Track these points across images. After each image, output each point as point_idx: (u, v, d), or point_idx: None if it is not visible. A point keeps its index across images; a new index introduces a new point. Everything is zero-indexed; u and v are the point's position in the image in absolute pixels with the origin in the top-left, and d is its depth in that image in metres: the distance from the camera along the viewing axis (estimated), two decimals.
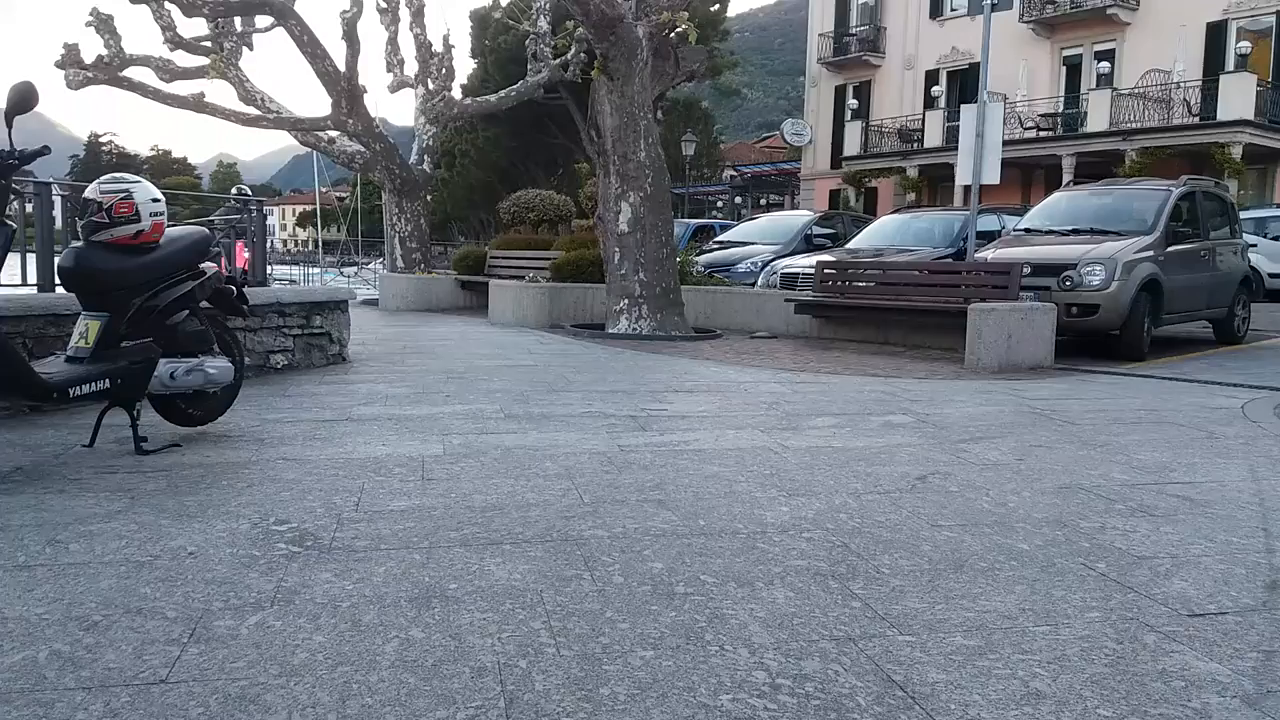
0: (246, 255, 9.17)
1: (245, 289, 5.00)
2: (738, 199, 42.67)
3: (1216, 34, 24.83)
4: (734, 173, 45.60)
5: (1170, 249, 9.09)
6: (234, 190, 12.65)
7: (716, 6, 34.83)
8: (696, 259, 13.22)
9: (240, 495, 3.44)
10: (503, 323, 11.66)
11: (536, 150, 34.71)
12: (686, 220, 20.39)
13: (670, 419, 5.22)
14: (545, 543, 2.96)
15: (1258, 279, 13.80)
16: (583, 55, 17.46)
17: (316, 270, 34.15)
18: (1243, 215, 13.38)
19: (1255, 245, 14.51)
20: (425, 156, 17.75)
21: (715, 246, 15.13)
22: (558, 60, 18.20)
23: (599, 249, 10.70)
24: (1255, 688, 2.07)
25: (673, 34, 10.35)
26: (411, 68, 18.37)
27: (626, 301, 9.86)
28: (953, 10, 29.99)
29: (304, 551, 2.82)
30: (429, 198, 18.65)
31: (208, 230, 4.76)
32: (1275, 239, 16.59)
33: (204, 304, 4.52)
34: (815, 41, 35.80)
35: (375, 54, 19.47)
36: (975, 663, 2.16)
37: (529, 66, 18.52)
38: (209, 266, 4.51)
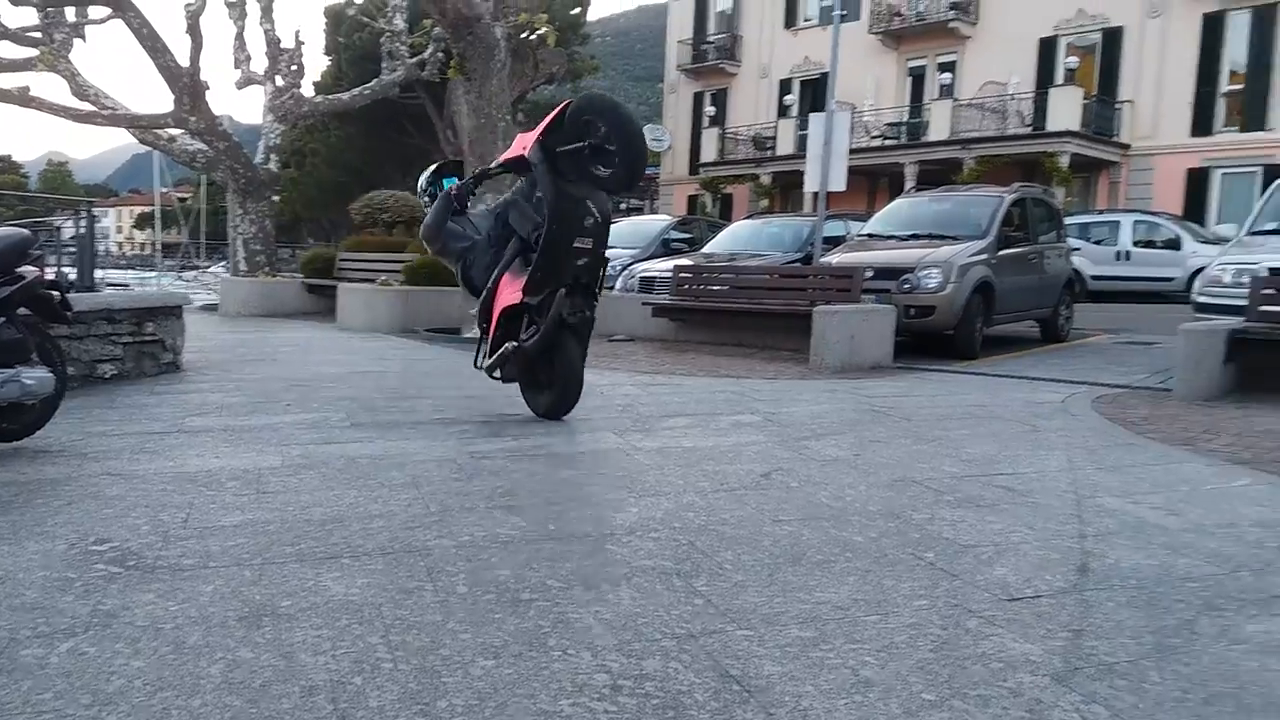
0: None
1: (70, 294, 4.68)
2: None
3: (1048, 49, 26.49)
4: None
5: (1002, 253, 9.63)
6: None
7: (577, 10, 34.94)
8: None
9: (57, 514, 3.22)
10: (353, 328, 11.33)
11: (392, 150, 33.92)
12: None
13: (524, 424, 5.19)
14: (387, 555, 2.89)
15: (1081, 281, 14.78)
16: (440, 55, 17.16)
17: (154, 274, 32.36)
18: (1068, 220, 14.33)
19: (1079, 249, 15.55)
20: (272, 155, 17.09)
21: None
22: (415, 59, 17.82)
23: None
24: (1064, 665, 2.21)
25: (532, 36, 10.31)
26: (260, 64, 17.67)
27: None
28: (806, 20, 30.98)
29: (125, 572, 2.67)
30: (275, 198, 17.95)
31: (28, 232, 4.43)
32: (1098, 243, 17.82)
33: (23, 310, 4.21)
34: (674, 48, 36.34)
35: (221, 49, 18.68)
36: (809, 654, 2.23)
37: (384, 65, 18.06)
38: (28, 270, 4.20)
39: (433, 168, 6.01)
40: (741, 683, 2.07)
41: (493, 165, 5.61)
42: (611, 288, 12.50)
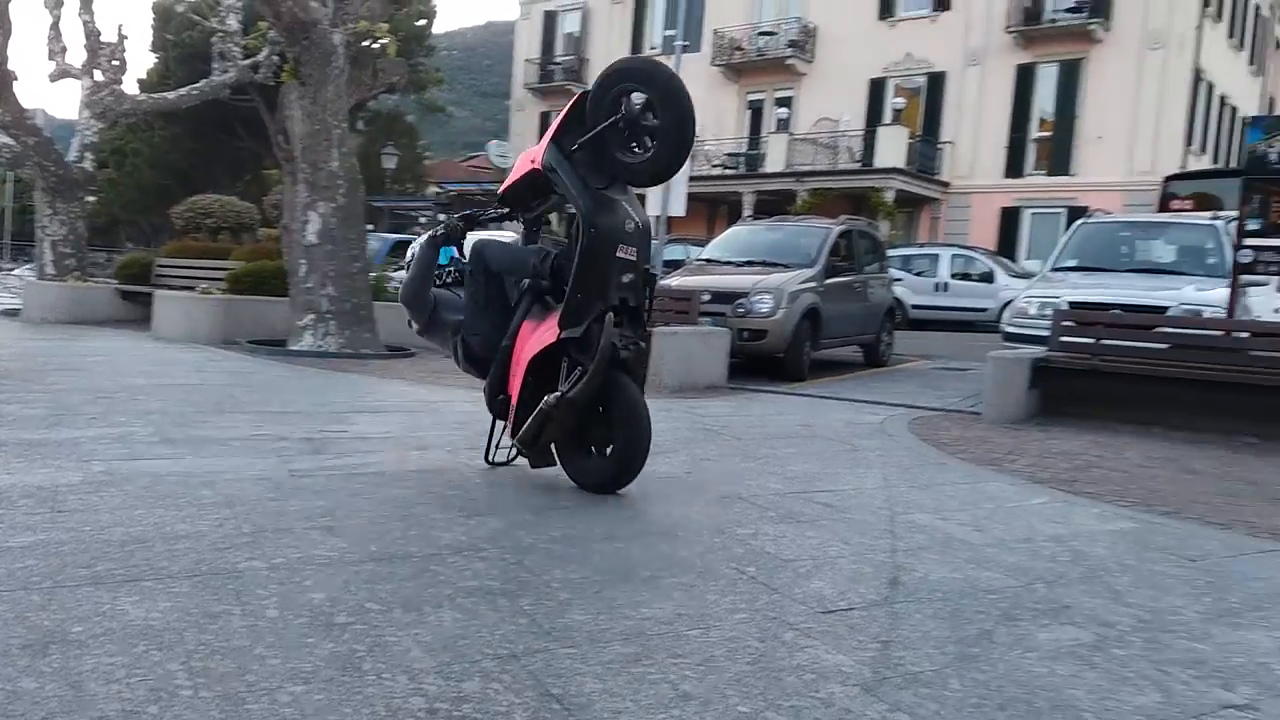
0: None
1: None
2: (441, 216, 42.08)
3: (878, 89, 27.99)
4: (438, 189, 45.04)
5: (829, 281, 10.05)
6: None
7: (422, 21, 34.35)
8: (393, 275, 12.87)
9: None
10: (170, 338, 10.68)
11: (221, 153, 32.32)
12: (385, 235, 19.84)
13: (350, 441, 5.01)
14: (193, 577, 2.72)
15: (902, 309, 15.60)
16: (275, 58, 16.49)
17: None
18: (891, 252, 15.11)
19: (901, 279, 16.42)
20: (87, 154, 15.96)
21: None
22: (248, 60, 17.05)
23: (283, 260, 10.12)
24: (873, 675, 2.30)
25: (372, 44, 10.07)
26: (78, 56, 16.48)
27: (313, 317, 9.40)
28: (652, 48, 31.53)
29: None
30: (90, 199, 16.77)
31: None
32: (918, 274, 18.86)
33: None
34: (521, 66, 36.31)
35: (34, 38, 17.33)
36: (631, 669, 2.23)
37: (215, 65, 17.19)
38: None
39: (427, 236, 4.49)
40: (562, 701, 2.05)
41: (487, 202, 4.74)
42: None
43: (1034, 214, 25.56)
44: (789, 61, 29.09)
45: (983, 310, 17.53)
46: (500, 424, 4.34)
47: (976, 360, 10.44)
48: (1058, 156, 25.45)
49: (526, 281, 4.19)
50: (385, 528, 3.36)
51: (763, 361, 9.50)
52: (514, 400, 4.10)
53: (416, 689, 2.08)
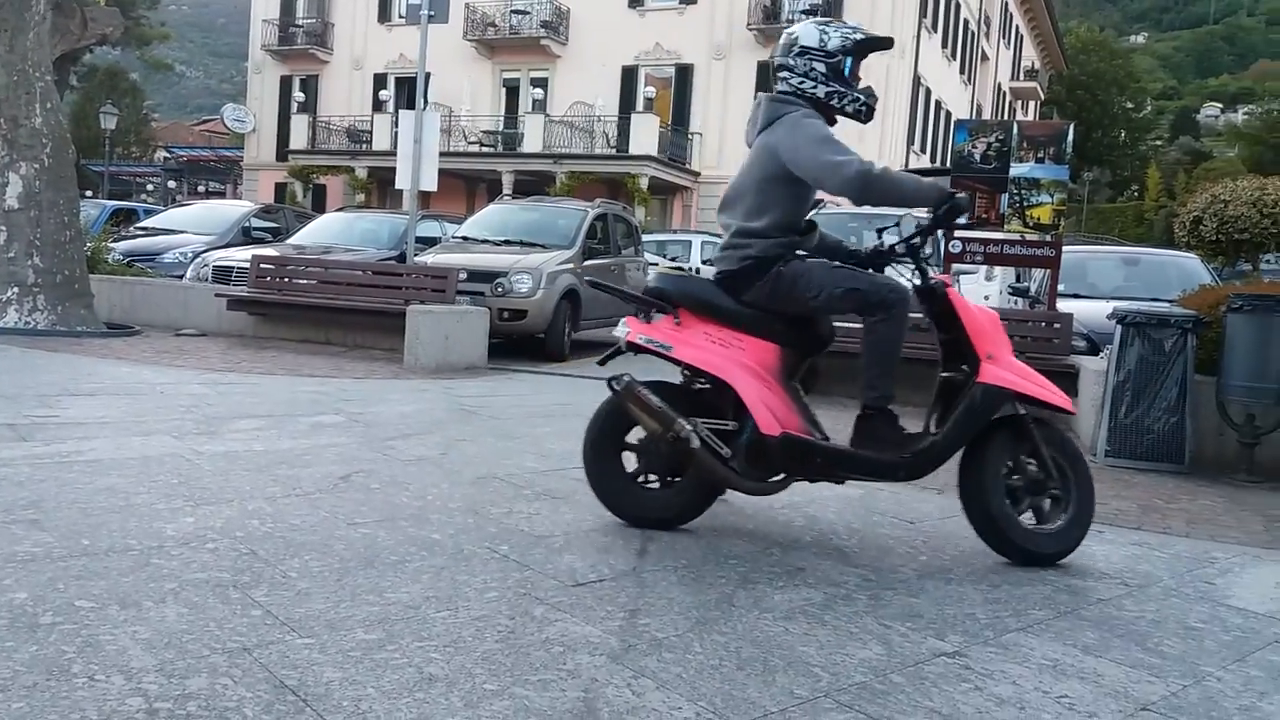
0: None
1: None
2: (172, 183, 38.87)
3: (630, 77, 28.53)
4: (168, 155, 41.54)
5: (587, 262, 10.17)
6: None
7: None
8: (113, 245, 11.73)
9: None
10: None
11: None
12: (104, 201, 18.04)
13: (61, 426, 4.52)
14: None
15: None
16: None
17: None
18: (646, 238, 15.51)
19: (656, 264, 16.90)
20: None
21: (138, 233, 13.57)
22: None
23: None
24: (620, 644, 2.35)
25: None
26: None
27: (17, 290, 8.38)
28: (401, 17, 30.54)
29: None
30: None
31: None
32: (673, 259, 19.49)
33: None
34: (259, 27, 34.04)
35: None
36: (373, 656, 2.15)
37: None
38: None
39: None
40: (298, 692, 1.95)
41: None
42: (180, 277, 11.40)
43: None
44: (543, 42, 29.08)
45: None
46: None
47: None
48: None
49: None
50: (101, 520, 3.05)
51: (523, 342, 9.48)
52: None
53: (135, 689, 1.91)
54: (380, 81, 31.45)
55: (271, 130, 33.30)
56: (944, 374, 3.48)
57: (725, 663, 2.28)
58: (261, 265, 9.52)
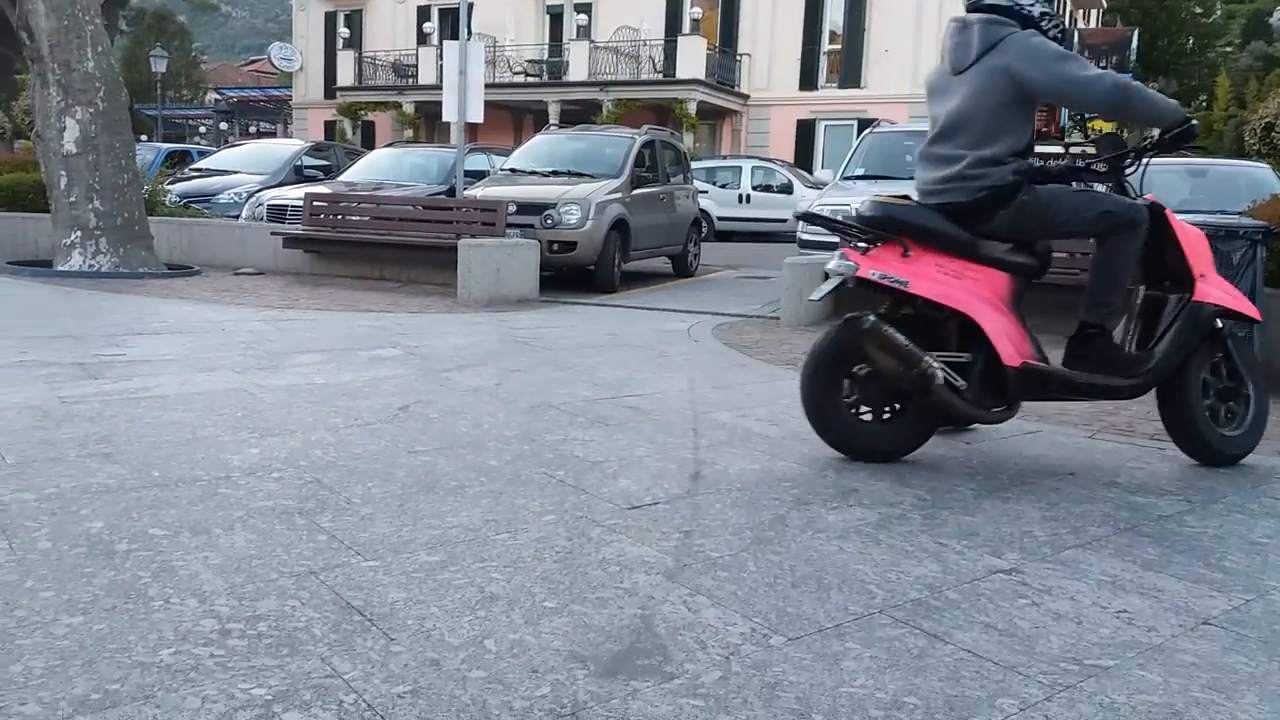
0: None
1: None
2: (223, 124, 39.22)
3: None
4: (219, 96, 41.81)
5: (635, 192, 10.07)
6: None
7: None
8: (170, 188, 11.92)
9: None
10: None
11: None
12: (159, 145, 18.29)
13: (128, 364, 4.65)
14: None
15: (707, 221, 15.91)
16: None
17: None
18: (695, 165, 15.30)
19: (706, 191, 16.70)
20: None
21: (194, 174, 13.76)
22: None
23: (40, 172, 9.14)
24: (675, 563, 2.38)
25: None
26: None
27: (80, 234, 8.58)
28: None
29: None
30: None
31: None
32: (723, 186, 19.25)
33: None
34: None
35: None
36: (436, 577, 2.21)
37: None
38: None
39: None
40: (364, 612, 2.01)
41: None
42: (236, 216, 11.56)
43: (828, 126, 26.44)
44: None
45: (783, 221, 18.13)
46: None
47: (777, 269, 10.83)
48: (848, 70, 26.30)
49: None
50: (169, 452, 3.15)
51: (574, 274, 9.48)
52: None
53: (208, 611, 1.99)
54: (424, 14, 31.12)
55: (319, 68, 33.27)
56: (1148, 292, 3.55)
57: (779, 580, 2.30)
58: (315, 203, 9.61)
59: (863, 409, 3.43)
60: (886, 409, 3.43)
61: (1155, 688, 1.85)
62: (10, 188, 10.15)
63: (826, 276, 3.36)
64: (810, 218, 3.82)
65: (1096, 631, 2.10)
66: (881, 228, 3.32)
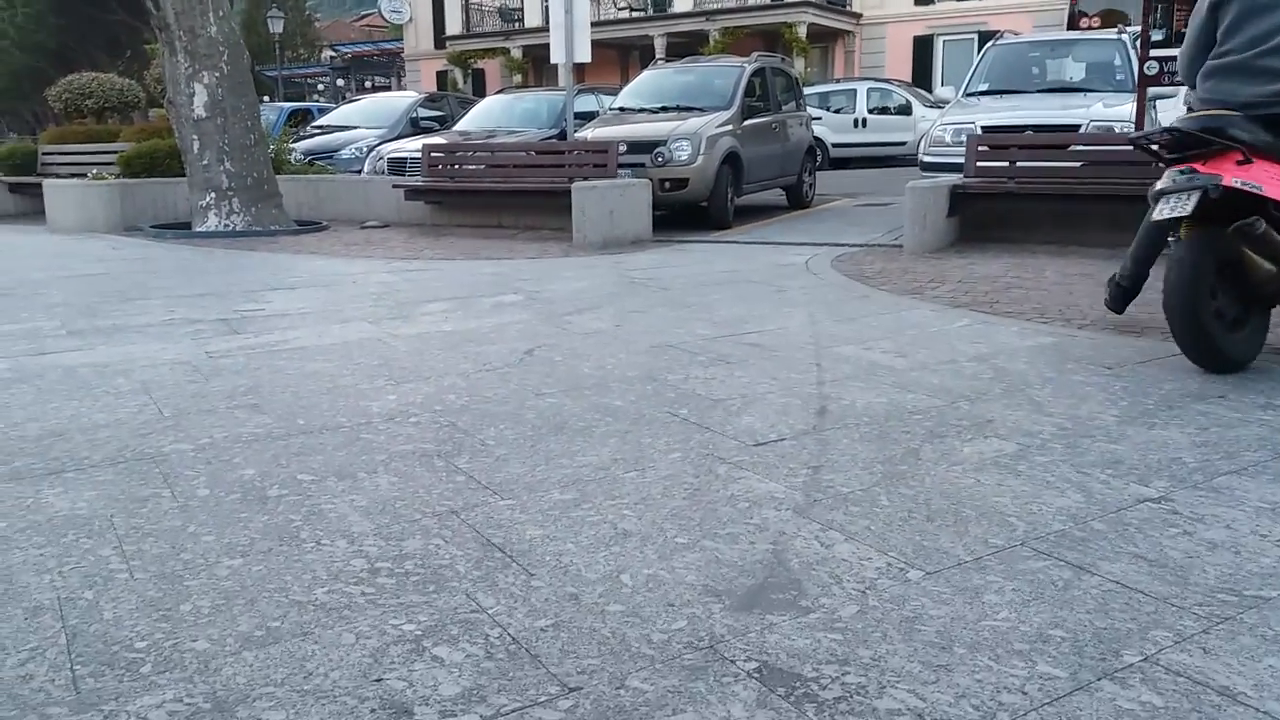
0: None
1: None
2: (340, 81, 40.19)
3: None
4: (333, 53, 42.83)
5: (746, 123, 9.87)
6: None
7: None
8: (294, 146, 12.32)
9: None
10: (65, 228, 10.16)
11: (93, 29, 30.16)
12: (281, 104, 18.89)
13: (267, 319, 4.88)
14: (117, 465, 2.66)
15: (822, 149, 15.49)
16: None
17: None
18: (808, 91, 14.87)
19: (820, 118, 16.23)
20: None
21: (315, 132, 14.19)
22: None
23: (174, 138, 9.58)
24: (804, 499, 2.37)
25: None
26: None
27: (214, 195, 8.99)
28: None
29: None
30: None
31: None
32: (837, 111, 18.66)
33: None
34: None
35: None
36: (570, 514, 2.26)
37: None
38: None
39: None
40: (504, 549, 2.08)
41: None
42: (358, 171, 11.89)
43: (946, 41, 25.30)
44: None
45: (902, 144, 17.50)
46: None
47: (898, 194, 10.50)
48: None
49: None
50: (312, 401, 3.30)
51: (687, 211, 9.42)
52: None
53: (357, 551, 2.09)
54: None
55: (427, 19, 33.63)
56: None
57: (914, 515, 2.26)
58: (432, 154, 9.78)
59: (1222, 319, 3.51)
60: (1236, 319, 3.54)
61: None
62: (149, 154, 10.67)
63: (1159, 197, 3.41)
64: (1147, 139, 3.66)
65: (1257, 561, 2.00)
66: (1218, 136, 3.37)
